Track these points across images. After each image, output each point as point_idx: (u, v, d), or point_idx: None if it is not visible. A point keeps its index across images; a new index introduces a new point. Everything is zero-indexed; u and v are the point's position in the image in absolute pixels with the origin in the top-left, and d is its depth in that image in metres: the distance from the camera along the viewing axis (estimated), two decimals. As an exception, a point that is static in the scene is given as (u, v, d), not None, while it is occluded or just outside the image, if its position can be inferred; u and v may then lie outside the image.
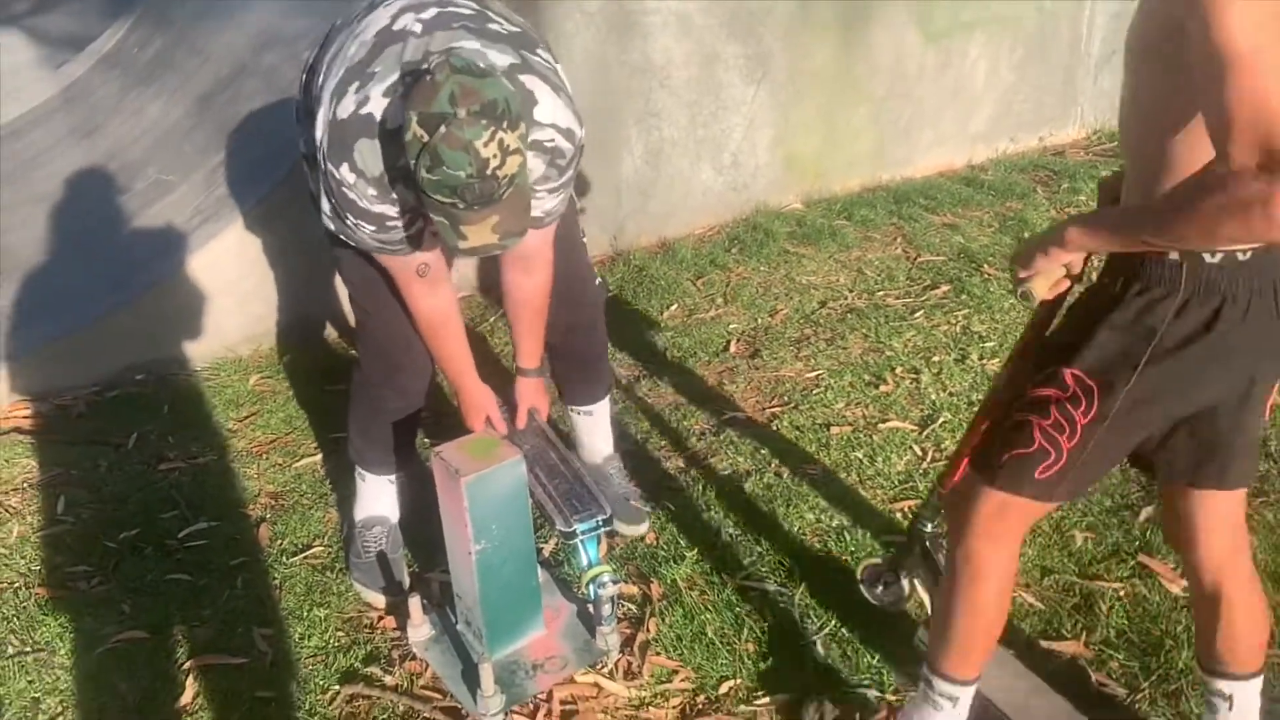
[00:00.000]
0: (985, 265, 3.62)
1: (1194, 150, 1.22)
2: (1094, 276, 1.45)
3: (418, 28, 1.66)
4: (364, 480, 2.28)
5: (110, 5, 4.60)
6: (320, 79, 1.74)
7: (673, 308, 3.45)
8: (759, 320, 3.35)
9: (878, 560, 2.09)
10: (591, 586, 1.97)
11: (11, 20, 4.95)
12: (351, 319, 3.31)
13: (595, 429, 2.43)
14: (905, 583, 2.03)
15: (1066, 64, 4.75)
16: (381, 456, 2.24)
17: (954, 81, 4.37)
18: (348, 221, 1.75)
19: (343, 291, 3.32)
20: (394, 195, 1.68)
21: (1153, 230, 1.21)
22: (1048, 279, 1.41)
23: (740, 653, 2.03)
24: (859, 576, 2.08)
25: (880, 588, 2.06)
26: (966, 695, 1.66)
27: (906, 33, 4.12)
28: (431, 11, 1.69)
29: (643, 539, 2.34)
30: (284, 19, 3.67)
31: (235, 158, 3.33)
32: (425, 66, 1.54)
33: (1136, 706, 1.87)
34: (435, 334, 1.98)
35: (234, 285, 3.12)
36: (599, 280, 2.41)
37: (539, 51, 1.74)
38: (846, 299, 3.45)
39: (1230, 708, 1.65)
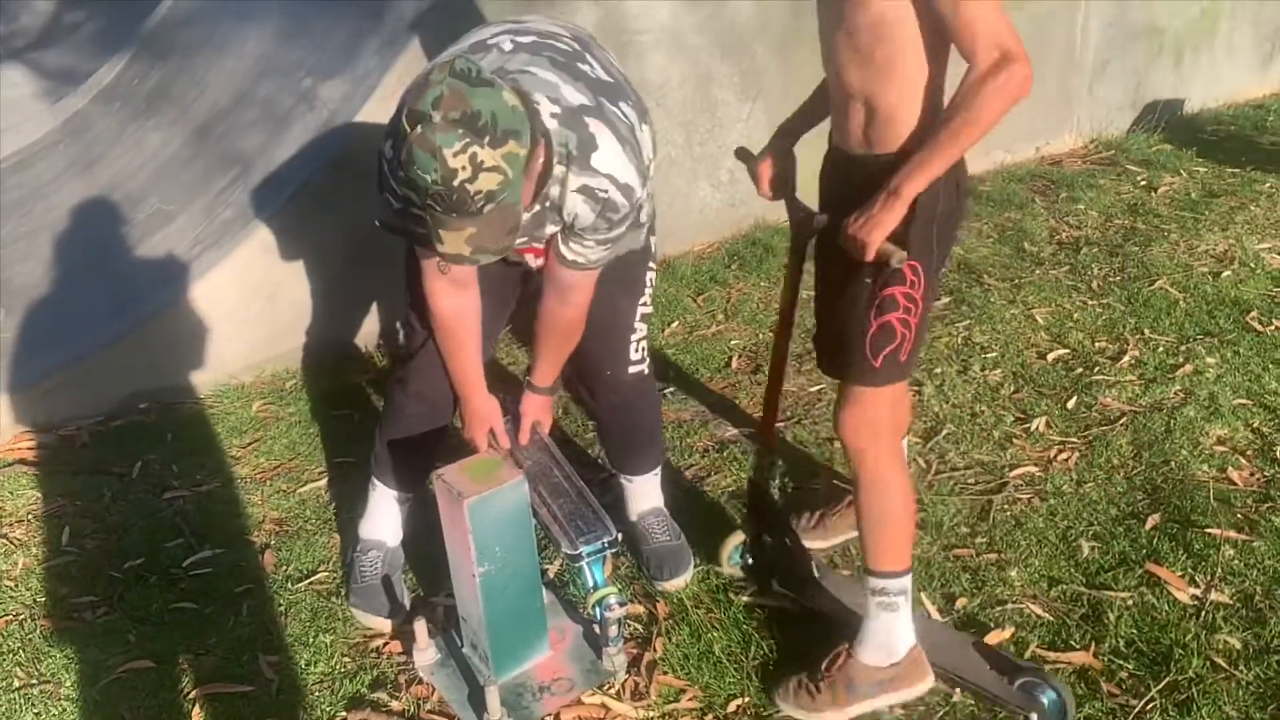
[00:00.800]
0: (985, 276, 3.62)
1: (903, 92, 1.64)
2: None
3: (508, 46, 1.68)
4: (373, 490, 2.28)
5: (109, 39, 4.63)
6: None
7: (674, 325, 3.45)
8: (760, 336, 3.35)
9: (739, 536, 2.16)
10: (598, 608, 1.97)
11: (12, 55, 4.99)
12: (367, 341, 3.34)
13: (637, 493, 2.37)
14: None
15: (1061, 73, 4.77)
16: (393, 468, 2.23)
17: (950, 93, 4.37)
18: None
19: (347, 316, 3.37)
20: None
21: (953, 150, 1.56)
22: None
23: (748, 671, 2.01)
24: (728, 559, 2.16)
25: (751, 558, 2.12)
26: (910, 587, 1.85)
27: (900, 47, 4.13)
28: (529, 39, 1.70)
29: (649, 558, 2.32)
30: (281, 48, 3.70)
31: (235, 187, 3.35)
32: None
33: (1147, 717, 1.85)
34: (448, 337, 1.93)
35: (235, 313, 3.13)
36: (663, 387, 2.33)
37: (622, 104, 1.71)
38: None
39: None
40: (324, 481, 2.69)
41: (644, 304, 2.11)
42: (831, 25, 1.70)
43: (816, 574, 2.11)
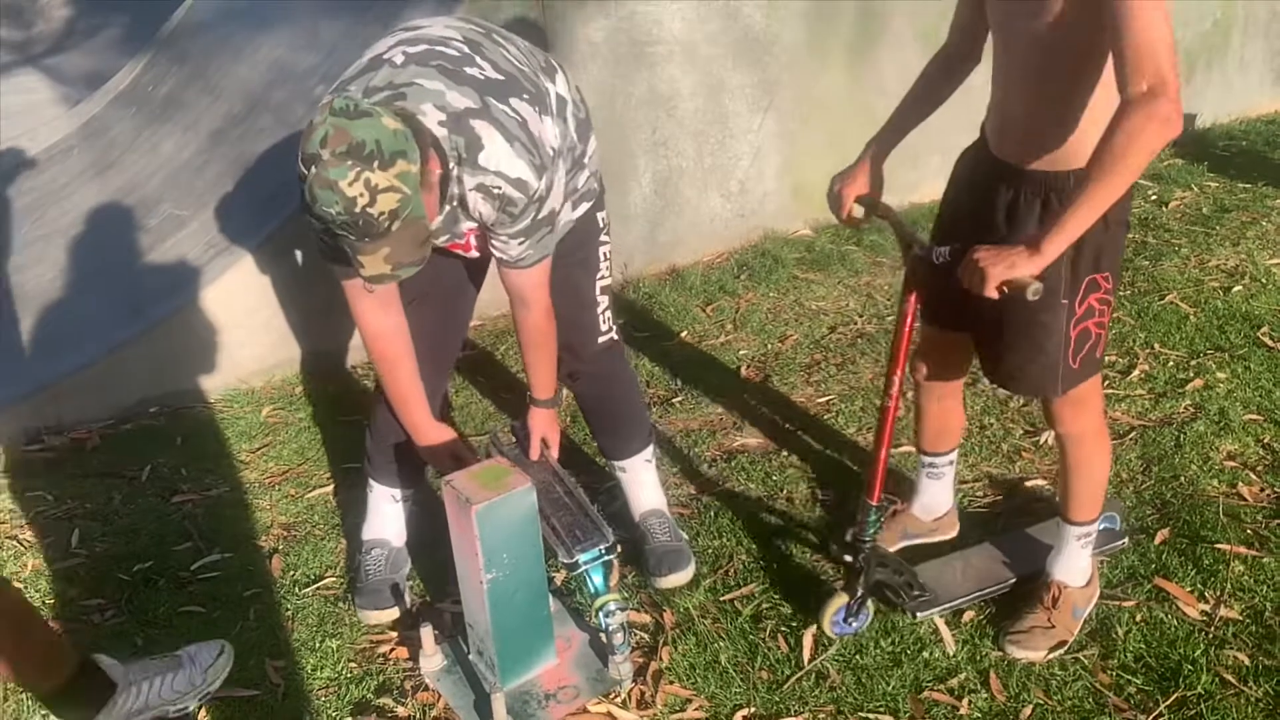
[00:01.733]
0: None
1: (1080, 108, 1.67)
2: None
3: (399, 59, 1.74)
4: (371, 492, 2.30)
5: (125, 44, 4.68)
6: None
7: (682, 334, 3.45)
8: (769, 346, 3.35)
9: (841, 597, 2.06)
10: (600, 615, 1.97)
11: (30, 60, 5.04)
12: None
13: (632, 485, 2.40)
14: (869, 605, 2.09)
15: (1072, 87, 4.77)
16: (387, 466, 2.26)
17: (961, 104, 4.37)
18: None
19: (355, 323, 3.37)
20: None
21: (1103, 198, 1.51)
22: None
23: (754, 681, 2.01)
24: (830, 622, 2.07)
25: (856, 620, 2.08)
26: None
27: (913, 56, 4.14)
28: (421, 48, 1.76)
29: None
30: (294, 54, 3.73)
31: (248, 192, 3.37)
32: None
33: (1156, 732, 1.84)
34: (380, 359, 1.99)
35: (247, 318, 3.15)
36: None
37: (513, 101, 1.76)
38: (856, 324, 3.45)
39: None
40: (332, 487, 2.70)
41: (602, 277, 2.19)
42: (1017, 33, 1.70)
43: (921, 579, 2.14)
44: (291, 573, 2.37)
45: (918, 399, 2.27)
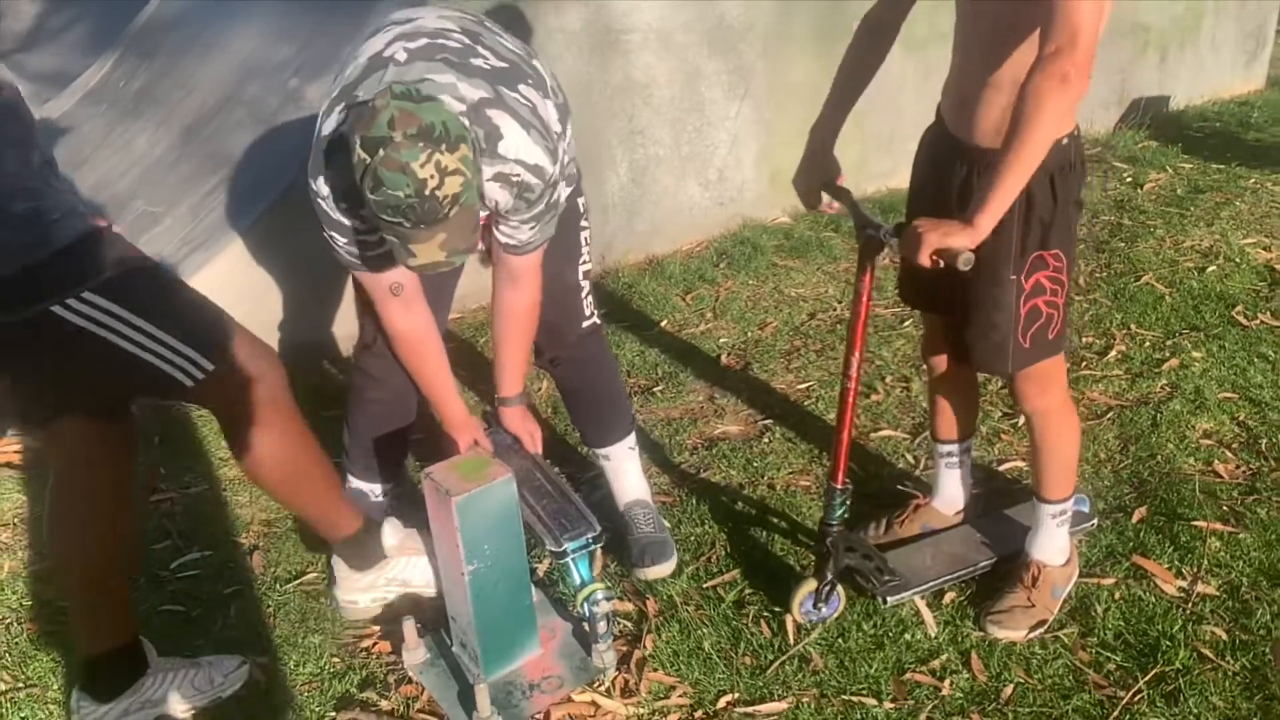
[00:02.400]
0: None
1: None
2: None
3: (403, 56, 1.73)
4: (350, 488, 2.29)
5: (95, 41, 4.62)
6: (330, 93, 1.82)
7: (662, 323, 3.45)
8: (749, 334, 3.35)
9: (810, 583, 2.07)
10: (586, 605, 1.97)
11: (-2, 58, 4.97)
12: (345, 343, 3.33)
13: (616, 473, 2.39)
14: (840, 591, 2.09)
15: (1047, 71, 4.79)
16: (365, 461, 2.26)
17: (935, 91, 4.38)
18: (325, 234, 1.82)
19: (336, 317, 3.36)
20: (364, 211, 1.71)
21: (1024, 170, 1.55)
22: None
23: (738, 666, 2.02)
24: (799, 608, 2.07)
25: (826, 606, 2.08)
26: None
27: (887, 45, 4.14)
28: (421, 42, 1.75)
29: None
30: (267, 48, 3.69)
31: (222, 188, 3.33)
32: (374, 96, 1.60)
33: (1135, 708, 1.86)
34: (412, 354, 2.01)
35: (223, 314, 3.12)
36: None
37: (521, 88, 1.77)
38: (835, 310, 3.46)
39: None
40: (313, 482, 2.68)
41: (584, 262, 2.21)
42: (983, 11, 1.74)
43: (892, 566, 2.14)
44: (273, 569, 2.36)
45: (929, 386, 2.28)
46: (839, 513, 2.03)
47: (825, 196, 2.02)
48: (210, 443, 2.87)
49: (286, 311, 3.21)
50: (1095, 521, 2.29)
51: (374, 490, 2.30)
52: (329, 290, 3.25)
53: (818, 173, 1.99)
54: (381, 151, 1.51)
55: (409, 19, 1.82)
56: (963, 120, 1.83)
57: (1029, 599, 2.05)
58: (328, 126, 1.74)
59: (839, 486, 2.01)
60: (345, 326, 3.36)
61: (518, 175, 1.75)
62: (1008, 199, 1.59)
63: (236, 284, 3.12)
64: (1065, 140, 1.75)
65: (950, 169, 1.87)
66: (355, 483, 2.29)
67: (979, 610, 2.08)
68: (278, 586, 2.30)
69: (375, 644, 2.13)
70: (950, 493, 2.32)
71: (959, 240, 1.59)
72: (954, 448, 2.27)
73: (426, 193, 1.53)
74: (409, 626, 1.99)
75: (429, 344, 2.01)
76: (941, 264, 1.62)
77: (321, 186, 1.75)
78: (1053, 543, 2.10)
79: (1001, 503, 2.40)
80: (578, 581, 2.00)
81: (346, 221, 1.77)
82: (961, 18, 1.83)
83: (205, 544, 2.45)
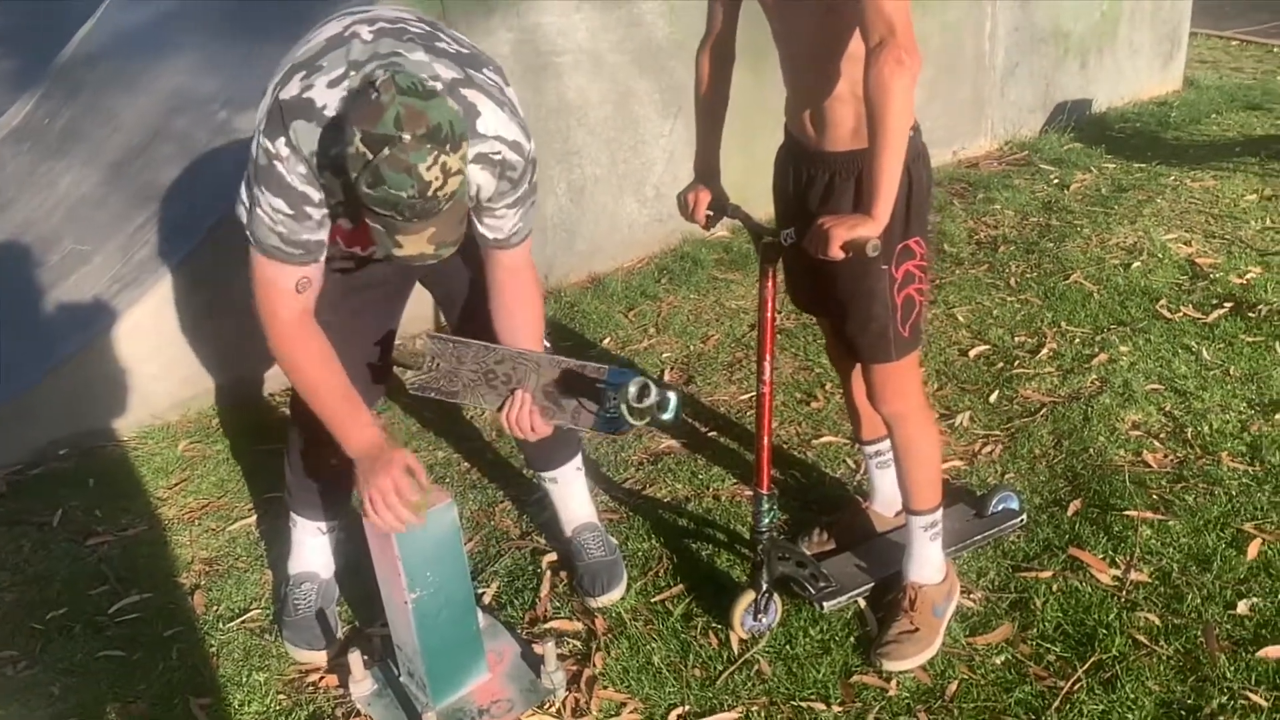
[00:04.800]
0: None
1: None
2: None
3: (368, 36, 1.67)
4: (295, 526, 2.26)
5: (17, 78, 4.53)
6: (265, 92, 1.73)
7: (605, 341, 3.47)
8: (691, 347, 3.38)
9: (749, 594, 2.08)
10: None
11: (-84, 100, 4.85)
12: (280, 378, 3.29)
13: (563, 497, 2.37)
14: (777, 599, 2.11)
15: (973, 78, 4.91)
16: (310, 499, 2.21)
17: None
18: (260, 208, 1.66)
19: (269, 351, 3.32)
20: (321, 182, 1.66)
21: (896, 154, 1.61)
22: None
23: (688, 678, 2.02)
24: (740, 621, 2.08)
25: (765, 616, 2.10)
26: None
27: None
28: (382, 24, 1.70)
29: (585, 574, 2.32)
30: (195, 80, 3.65)
31: (153, 223, 3.29)
32: (371, 79, 1.53)
33: (1074, 697, 1.90)
34: (308, 361, 1.78)
35: (158, 351, 3.07)
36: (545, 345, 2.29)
37: (485, 71, 1.75)
38: (775, 321, 3.49)
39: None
40: (254, 518, 2.65)
41: (542, 277, 2.15)
42: (797, 31, 1.80)
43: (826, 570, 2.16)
44: (215, 608, 2.32)
45: (843, 390, 2.32)
46: (768, 519, 2.05)
47: (708, 212, 2.09)
48: (148, 482, 2.82)
49: (221, 346, 3.17)
50: (1024, 518, 2.35)
51: (319, 526, 2.26)
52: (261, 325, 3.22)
53: (705, 200, 2.08)
54: (387, 150, 1.47)
55: (363, 9, 1.76)
56: (813, 134, 1.86)
57: (911, 623, 2.01)
58: (287, 93, 1.62)
59: (765, 493, 2.04)
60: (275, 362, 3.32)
61: (498, 154, 1.71)
62: (894, 184, 1.64)
63: (169, 320, 3.08)
64: (912, 132, 1.78)
65: (813, 179, 1.89)
66: (299, 520, 2.25)
67: (869, 647, 2.03)
68: (220, 625, 2.26)
69: (322, 678, 2.10)
70: (886, 492, 2.34)
71: (866, 230, 1.63)
72: (880, 445, 2.30)
73: (430, 194, 1.50)
74: (354, 658, 1.97)
75: (325, 347, 1.79)
76: (849, 255, 1.67)
77: (281, 147, 1.62)
78: (927, 560, 2.07)
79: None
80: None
81: (299, 187, 1.65)
82: (777, 40, 1.87)
83: (144, 586, 2.41)
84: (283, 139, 1.62)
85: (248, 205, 1.72)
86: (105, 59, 4.10)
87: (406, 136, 1.47)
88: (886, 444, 2.25)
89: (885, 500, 2.35)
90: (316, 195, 1.68)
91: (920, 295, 1.90)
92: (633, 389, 1.69)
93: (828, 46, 1.75)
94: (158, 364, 3.08)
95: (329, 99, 1.61)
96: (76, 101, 3.98)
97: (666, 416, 1.72)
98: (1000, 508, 2.35)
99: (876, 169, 1.62)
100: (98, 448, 2.97)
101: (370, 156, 1.47)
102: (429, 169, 1.49)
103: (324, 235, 1.74)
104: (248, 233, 1.75)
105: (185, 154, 3.42)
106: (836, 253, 1.65)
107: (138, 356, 3.04)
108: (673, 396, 1.71)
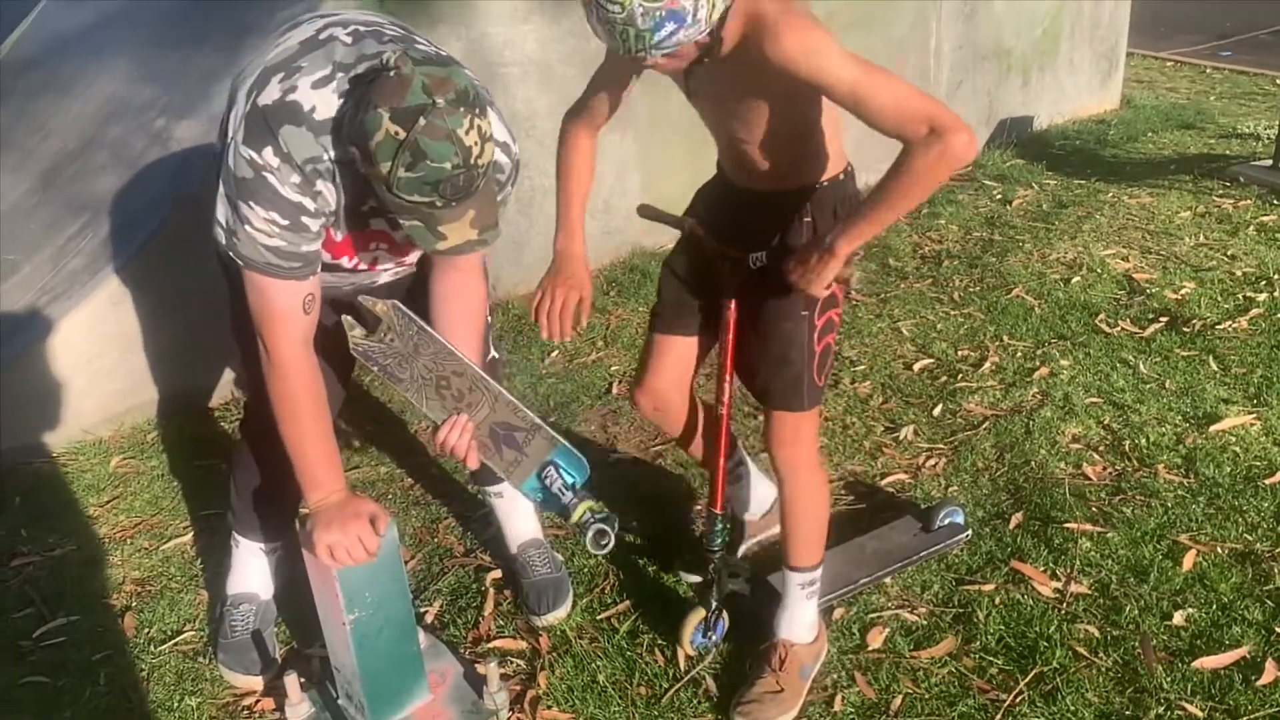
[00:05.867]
0: (853, 293, 3.73)
1: (807, 146, 1.77)
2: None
3: (347, 38, 1.60)
4: (236, 546, 2.19)
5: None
6: (234, 92, 1.65)
7: (553, 354, 3.44)
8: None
9: (699, 612, 2.07)
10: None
11: None
12: (231, 388, 3.21)
13: (508, 512, 2.33)
14: (725, 616, 2.11)
15: (917, 95, 4.98)
16: (255, 521, 2.14)
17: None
18: (252, 225, 1.57)
19: (209, 364, 3.24)
20: (317, 188, 1.57)
21: (889, 218, 1.61)
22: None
23: (633, 697, 2.00)
24: (690, 639, 2.07)
25: (714, 632, 2.09)
26: None
27: (763, 73, 4.25)
28: (355, 27, 1.64)
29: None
30: (130, 88, 3.56)
31: (86, 233, 3.19)
32: (382, 62, 1.45)
33: (1016, 709, 1.91)
34: (299, 401, 1.69)
35: (89, 364, 2.98)
36: (494, 355, 2.23)
37: (466, 73, 1.68)
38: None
39: None
40: (189, 536, 2.58)
41: (490, 288, 2.12)
42: (730, 129, 1.78)
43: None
44: (146, 630, 2.25)
45: (666, 431, 2.23)
46: (719, 540, 2.04)
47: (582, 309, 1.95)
48: (78, 500, 2.73)
49: (157, 359, 3.09)
50: (970, 533, 2.37)
51: (261, 547, 2.19)
52: (201, 336, 3.13)
53: (579, 285, 1.90)
54: (423, 120, 1.38)
55: (333, 14, 1.68)
56: (746, 178, 1.84)
57: (777, 683, 1.95)
58: (267, 97, 1.53)
59: (719, 512, 2.03)
60: (218, 374, 3.25)
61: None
62: (863, 238, 1.62)
63: (103, 332, 2.99)
64: (841, 176, 1.80)
65: (756, 214, 1.85)
66: (243, 540, 2.18)
67: (731, 702, 1.95)
68: (152, 648, 2.19)
69: (257, 702, 2.05)
70: (745, 498, 2.35)
71: (826, 272, 1.63)
72: (737, 457, 2.26)
73: (472, 161, 1.42)
74: (291, 681, 1.91)
75: (320, 391, 1.72)
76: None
77: (270, 157, 1.52)
78: (801, 619, 2.02)
79: (886, 516, 2.45)
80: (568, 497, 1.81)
81: (294, 198, 1.55)
82: (707, 122, 1.84)
83: (72, 609, 2.32)
84: (270, 147, 1.53)
85: (231, 226, 1.60)
86: (36, 65, 3.98)
87: (440, 101, 1.40)
88: (737, 459, 2.24)
89: (750, 506, 2.37)
90: (312, 205, 1.58)
91: (835, 344, 1.89)
92: (590, 533, 1.75)
93: (749, 116, 1.70)
94: (88, 378, 2.98)
95: (316, 100, 1.53)
96: (5, 108, 3.86)
97: (593, 550, 1.78)
98: (946, 522, 2.36)
99: (863, 220, 1.60)
100: (23, 465, 2.86)
101: (404, 134, 1.39)
102: (467, 133, 1.41)
103: (319, 245, 1.65)
104: (232, 255, 1.62)
105: (120, 162, 3.33)
106: (820, 291, 1.67)
107: (69, 369, 2.94)
108: (608, 545, 1.77)
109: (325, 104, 1.53)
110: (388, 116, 1.39)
